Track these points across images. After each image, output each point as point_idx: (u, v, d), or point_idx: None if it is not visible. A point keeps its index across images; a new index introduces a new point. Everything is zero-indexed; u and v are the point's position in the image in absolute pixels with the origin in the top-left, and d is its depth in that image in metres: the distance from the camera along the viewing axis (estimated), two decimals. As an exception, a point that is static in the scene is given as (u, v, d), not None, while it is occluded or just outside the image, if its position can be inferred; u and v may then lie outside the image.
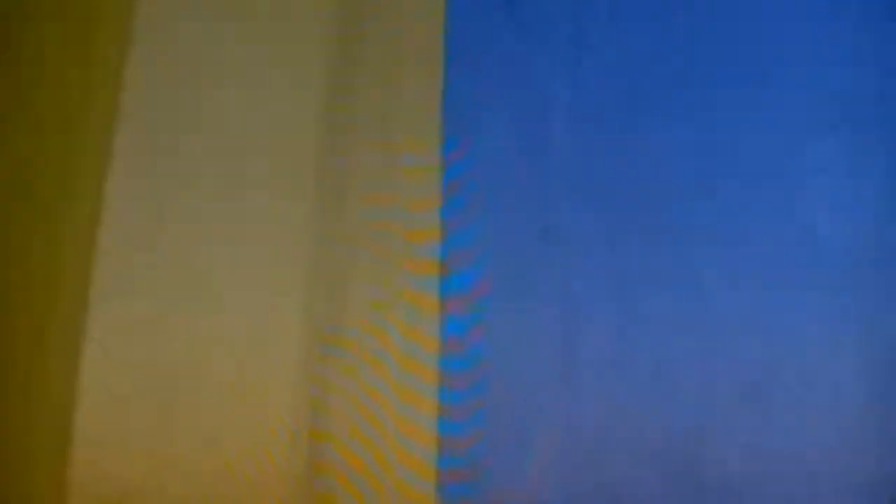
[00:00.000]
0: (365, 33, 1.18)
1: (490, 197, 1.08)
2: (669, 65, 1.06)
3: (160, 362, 1.14)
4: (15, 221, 1.19)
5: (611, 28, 1.09)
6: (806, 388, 0.98)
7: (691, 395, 0.99)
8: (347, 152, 1.16)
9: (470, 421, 1.04)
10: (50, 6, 1.24)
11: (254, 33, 1.21)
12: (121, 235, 1.17)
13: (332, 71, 1.18)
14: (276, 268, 1.15)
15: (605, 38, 1.09)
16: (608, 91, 1.07)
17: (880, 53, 1.00)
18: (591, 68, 1.08)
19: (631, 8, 1.09)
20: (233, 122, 1.19)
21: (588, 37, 1.09)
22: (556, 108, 1.08)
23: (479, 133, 1.10)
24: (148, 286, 1.16)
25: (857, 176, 0.99)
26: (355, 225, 1.13)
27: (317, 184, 1.16)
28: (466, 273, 1.07)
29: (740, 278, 1.00)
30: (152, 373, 1.13)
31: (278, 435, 1.11)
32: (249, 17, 1.21)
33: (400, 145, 1.12)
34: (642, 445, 1.00)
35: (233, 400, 1.12)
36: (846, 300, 0.97)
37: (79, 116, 1.21)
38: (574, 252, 1.05)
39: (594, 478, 1.00)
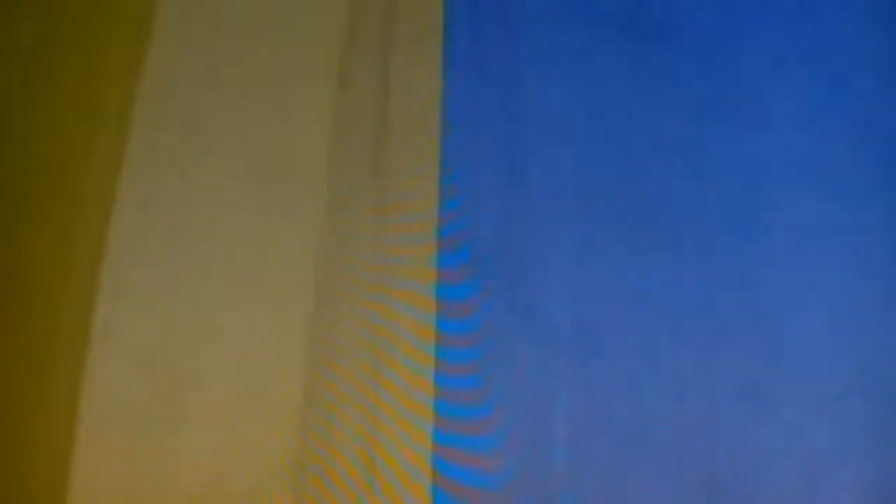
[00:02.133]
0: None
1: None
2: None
3: (166, 373, 1.14)
4: (23, 220, 1.18)
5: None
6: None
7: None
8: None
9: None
10: (66, 5, 1.26)
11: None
12: (129, 240, 1.17)
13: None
14: (280, 286, 1.16)
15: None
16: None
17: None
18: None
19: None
20: (247, 132, 1.21)
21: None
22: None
23: None
24: (155, 295, 1.16)
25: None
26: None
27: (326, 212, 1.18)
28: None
29: None
30: (157, 383, 1.13)
31: (279, 449, 1.12)
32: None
33: None
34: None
35: (237, 410, 1.12)
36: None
37: (91, 118, 1.21)
38: None
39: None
